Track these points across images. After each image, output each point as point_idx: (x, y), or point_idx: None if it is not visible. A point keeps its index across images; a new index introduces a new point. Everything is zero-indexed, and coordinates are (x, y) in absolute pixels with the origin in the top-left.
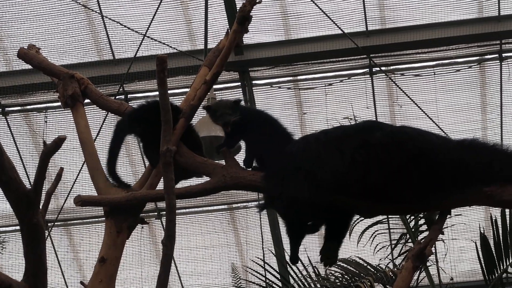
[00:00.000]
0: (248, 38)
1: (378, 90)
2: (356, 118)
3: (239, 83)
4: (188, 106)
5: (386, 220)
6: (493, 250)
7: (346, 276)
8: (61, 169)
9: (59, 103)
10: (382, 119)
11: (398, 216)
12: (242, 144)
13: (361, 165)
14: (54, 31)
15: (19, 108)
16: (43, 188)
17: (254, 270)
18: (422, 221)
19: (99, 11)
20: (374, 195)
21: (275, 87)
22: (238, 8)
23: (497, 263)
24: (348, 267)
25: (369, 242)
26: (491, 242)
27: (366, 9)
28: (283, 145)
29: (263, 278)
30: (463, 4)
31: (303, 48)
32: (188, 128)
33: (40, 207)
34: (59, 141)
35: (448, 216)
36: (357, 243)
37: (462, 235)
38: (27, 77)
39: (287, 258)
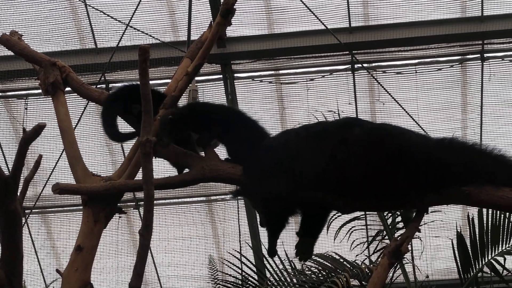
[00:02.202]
0: (231, 31)
1: (359, 86)
2: (337, 114)
3: (221, 76)
4: (169, 97)
5: (363, 216)
6: (469, 249)
7: (322, 272)
8: (40, 156)
9: (40, 91)
10: (363, 115)
11: (376, 213)
12: None
13: (340, 161)
14: (36, 18)
15: None
16: (22, 175)
17: (230, 263)
18: (399, 218)
19: None
20: (352, 191)
21: (257, 80)
22: (222, 1)
23: (473, 262)
24: (325, 262)
25: (346, 238)
26: (468, 241)
27: (349, 5)
28: (256, 138)
29: (240, 271)
30: (446, 3)
31: (285, 43)
32: None
33: (18, 194)
34: (38, 129)
35: (425, 214)
36: (334, 239)
37: (439, 234)
38: (8, 64)
39: (264, 251)
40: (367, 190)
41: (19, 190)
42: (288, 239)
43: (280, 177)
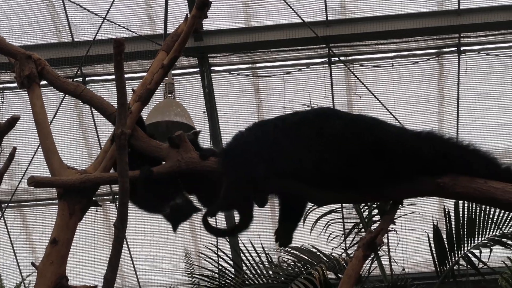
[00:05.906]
0: (208, 24)
1: (336, 79)
2: (314, 107)
3: (198, 69)
4: (144, 90)
5: (340, 209)
6: (446, 242)
7: (298, 264)
8: (14, 149)
9: (16, 84)
10: (339, 108)
11: (352, 205)
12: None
13: (317, 151)
14: (12, 11)
15: None
16: None
17: (207, 256)
18: (375, 211)
19: None
20: (328, 183)
21: (234, 74)
22: None
23: (449, 255)
24: (301, 255)
25: (323, 231)
26: (444, 234)
27: None
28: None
29: (216, 264)
30: None
31: (262, 36)
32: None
33: None
34: (12, 121)
35: (400, 206)
36: (310, 232)
37: (416, 226)
38: None
39: (241, 244)
40: (343, 181)
41: None
42: (264, 232)
43: (256, 165)
